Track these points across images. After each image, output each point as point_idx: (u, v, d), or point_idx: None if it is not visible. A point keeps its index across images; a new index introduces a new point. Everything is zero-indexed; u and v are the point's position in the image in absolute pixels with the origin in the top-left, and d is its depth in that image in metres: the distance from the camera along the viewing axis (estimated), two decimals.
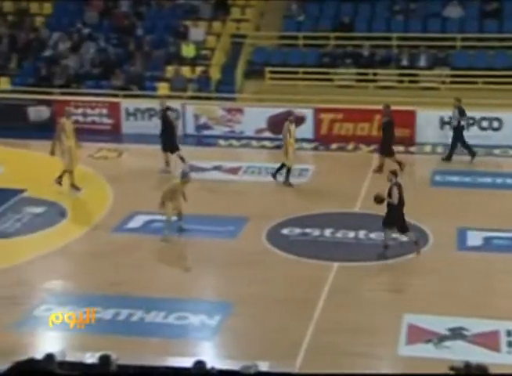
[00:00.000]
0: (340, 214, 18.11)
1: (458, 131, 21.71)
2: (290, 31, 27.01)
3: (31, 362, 3.62)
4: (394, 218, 15.81)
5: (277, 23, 27.62)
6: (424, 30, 26.57)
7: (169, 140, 20.80)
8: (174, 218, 16.78)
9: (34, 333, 13.28)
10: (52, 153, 19.47)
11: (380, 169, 20.65)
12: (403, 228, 15.88)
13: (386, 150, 20.73)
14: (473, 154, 21.72)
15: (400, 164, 20.49)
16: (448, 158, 21.75)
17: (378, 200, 15.90)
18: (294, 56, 26.39)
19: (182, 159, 20.82)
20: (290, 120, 20.14)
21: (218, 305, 14.07)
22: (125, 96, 24.96)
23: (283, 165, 19.98)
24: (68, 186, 19.44)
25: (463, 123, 21.76)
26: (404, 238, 16.47)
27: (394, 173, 16.00)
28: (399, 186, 15.79)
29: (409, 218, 17.62)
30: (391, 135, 20.76)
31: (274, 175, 20.07)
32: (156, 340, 12.85)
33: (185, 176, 16.89)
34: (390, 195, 15.72)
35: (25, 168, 21.10)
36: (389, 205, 15.78)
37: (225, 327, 13.28)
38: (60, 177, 19.39)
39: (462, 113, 21.66)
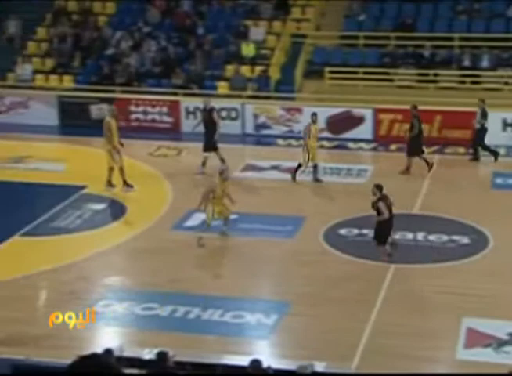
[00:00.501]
0: (399, 215, 17.93)
1: (481, 133, 21.48)
2: (351, 31, 26.89)
3: (95, 357, 3.69)
4: (386, 233, 15.40)
5: (337, 23, 27.52)
6: (487, 30, 26.19)
7: (210, 140, 20.84)
8: (216, 222, 16.62)
9: (93, 328, 13.47)
10: (114, 148, 19.69)
11: (407, 170, 20.52)
12: (383, 242, 15.45)
13: (414, 150, 20.57)
14: (476, 158, 21.62)
15: (428, 164, 20.39)
16: (496, 158, 21.49)
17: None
18: (354, 55, 26.26)
19: (203, 163, 20.77)
20: (313, 120, 20.22)
21: (274, 305, 14.09)
22: (185, 95, 25.14)
23: (299, 165, 20.07)
24: (121, 184, 19.57)
25: (486, 125, 21.49)
26: (464, 240, 16.31)
27: (378, 187, 15.47)
28: (385, 199, 15.37)
29: (469, 220, 17.43)
30: (417, 135, 20.56)
31: (294, 177, 20.12)
32: (212, 338, 12.93)
33: (222, 173, 16.79)
34: (378, 212, 15.28)
35: (86, 165, 21.39)
36: (379, 221, 15.36)
37: (282, 326, 13.29)
38: (109, 180, 19.53)
39: (484, 115, 21.39)
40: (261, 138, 24.37)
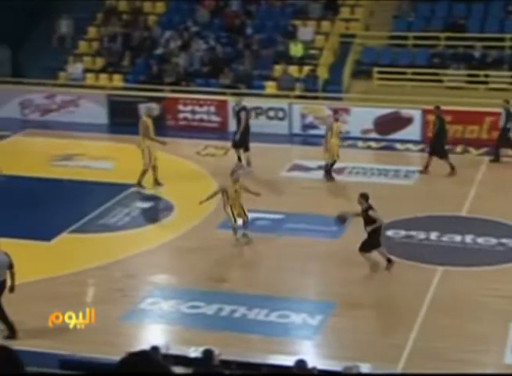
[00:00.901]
0: (447, 217, 17.81)
1: (503, 134, 21.29)
2: (400, 31, 26.70)
3: (144, 354, 3.74)
4: (378, 241, 15.00)
5: (387, 23, 27.35)
6: None
7: (243, 138, 21.09)
8: (239, 222, 16.52)
9: (139, 325, 13.61)
10: (163, 143, 19.83)
11: (453, 171, 20.30)
12: (370, 250, 15.02)
13: (439, 151, 20.48)
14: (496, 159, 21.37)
15: (452, 168, 20.21)
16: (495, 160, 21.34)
17: (342, 220, 15.39)
18: (403, 56, 26.08)
19: (248, 162, 21.07)
20: (336, 118, 20.53)
21: (319, 305, 14.08)
22: (233, 95, 25.20)
23: (327, 164, 20.16)
24: (152, 182, 19.69)
25: (508, 126, 21.20)
26: None
27: (364, 197, 15.10)
28: (372, 208, 14.99)
29: None
30: (442, 135, 20.52)
31: (327, 176, 20.19)
32: (257, 337, 12.96)
33: (233, 174, 16.75)
34: (371, 222, 14.81)
35: (134, 164, 21.49)
36: (373, 230, 14.91)
37: (327, 326, 13.28)
38: (156, 179, 19.64)
39: (508, 115, 21.18)
40: (308, 138, 24.32)
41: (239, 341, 12.75)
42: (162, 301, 14.21)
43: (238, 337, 12.94)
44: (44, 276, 15.13)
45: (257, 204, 17.19)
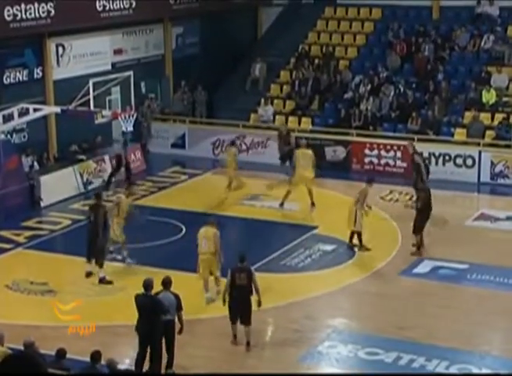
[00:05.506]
0: None
1: None
2: None
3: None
4: None
5: None
6: None
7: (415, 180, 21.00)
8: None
9: (316, 368, 13.63)
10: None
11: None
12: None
13: None
14: None
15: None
16: None
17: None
18: None
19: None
20: None
21: (504, 361, 13.54)
22: (420, 140, 24.91)
23: None
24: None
25: None
26: None
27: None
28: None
29: None
30: None
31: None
32: None
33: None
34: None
35: (319, 206, 21.70)
36: None
37: None
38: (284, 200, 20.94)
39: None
40: (497, 187, 23.61)
41: None
42: (340, 345, 14.16)
43: None
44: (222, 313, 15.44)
45: (441, 252, 16.78)
